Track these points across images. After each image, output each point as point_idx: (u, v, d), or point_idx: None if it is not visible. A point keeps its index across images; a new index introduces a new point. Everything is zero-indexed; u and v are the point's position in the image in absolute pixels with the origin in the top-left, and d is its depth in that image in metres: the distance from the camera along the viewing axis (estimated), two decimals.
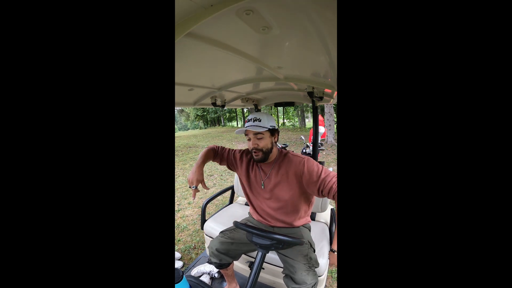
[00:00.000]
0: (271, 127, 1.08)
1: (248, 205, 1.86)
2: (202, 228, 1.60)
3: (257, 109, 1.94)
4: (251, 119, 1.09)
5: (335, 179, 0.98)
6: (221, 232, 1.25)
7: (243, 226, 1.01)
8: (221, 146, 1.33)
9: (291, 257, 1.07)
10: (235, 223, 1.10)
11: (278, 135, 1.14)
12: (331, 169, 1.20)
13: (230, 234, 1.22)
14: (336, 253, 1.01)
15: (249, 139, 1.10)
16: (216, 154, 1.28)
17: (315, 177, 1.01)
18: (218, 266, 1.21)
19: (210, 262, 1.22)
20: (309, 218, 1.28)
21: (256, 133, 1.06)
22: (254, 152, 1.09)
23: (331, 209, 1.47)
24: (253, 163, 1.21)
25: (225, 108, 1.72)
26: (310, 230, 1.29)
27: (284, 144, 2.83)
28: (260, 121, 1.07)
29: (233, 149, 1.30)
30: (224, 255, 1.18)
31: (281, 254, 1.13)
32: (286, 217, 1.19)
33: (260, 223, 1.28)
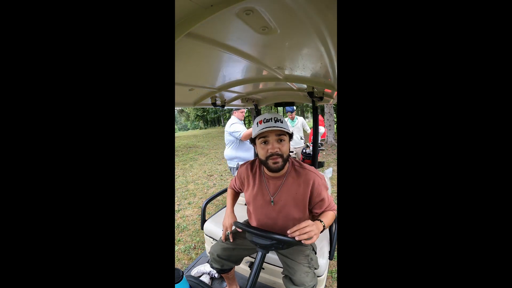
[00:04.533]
0: (291, 131, 0.96)
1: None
2: (202, 228, 1.60)
3: (257, 109, 1.94)
4: (270, 118, 0.91)
5: (333, 207, 1.01)
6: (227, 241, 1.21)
7: (243, 226, 1.01)
8: (233, 179, 1.26)
9: (291, 258, 1.06)
10: (235, 223, 1.09)
11: (291, 138, 0.99)
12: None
13: (234, 242, 1.16)
14: (321, 223, 0.88)
15: (264, 142, 0.92)
16: (237, 190, 1.26)
17: (321, 203, 0.99)
18: (219, 271, 1.18)
19: (211, 267, 1.20)
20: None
21: (279, 134, 0.90)
22: (274, 158, 0.90)
23: None
24: (259, 176, 1.05)
25: (225, 108, 1.72)
26: None
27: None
28: (282, 122, 0.90)
29: (238, 172, 1.19)
30: (226, 260, 1.15)
31: (281, 254, 1.12)
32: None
33: None
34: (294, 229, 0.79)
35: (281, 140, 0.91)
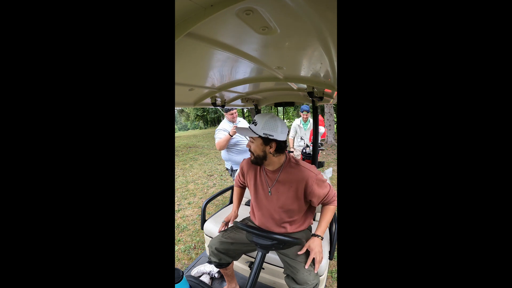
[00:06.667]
0: (264, 135, 0.99)
1: (248, 205, 1.86)
2: (202, 228, 1.60)
3: (257, 109, 1.94)
4: (253, 120, 1.05)
5: (335, 197, 1.11)
6: (222, 231, 1.26)
7: (243, 226, 1.01)
8: (237, 176, 1.37)
9: (292, 257, 1.06)
10: (235, 223, 1.10)
11: (276, 146, 1.02)
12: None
13: (231, 234, 1.22)
14: (318, 238, 1.07)
15: None
16: (241, 185, 1.36)
17: (321, 196, 1.08)
18: (217, 265, 1.21)
19: (209, 262, 1.22)
20: (311, 220, 1.28)
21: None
22: (250, 152, 1.08)
23: None
24: (259, 170, 1.18)
25: (225, 108, 1.72)
26: (311, 231, 1.29)
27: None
28: (255, 124, 1.01)
29: (240, 167, 1.32)
30: (224, 254, 1.17)
31: (281, 254, 1.12)
32: (289, 226, 1.16)
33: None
34: (309, 263, 1.02)
35: (252, 142, 1.06)
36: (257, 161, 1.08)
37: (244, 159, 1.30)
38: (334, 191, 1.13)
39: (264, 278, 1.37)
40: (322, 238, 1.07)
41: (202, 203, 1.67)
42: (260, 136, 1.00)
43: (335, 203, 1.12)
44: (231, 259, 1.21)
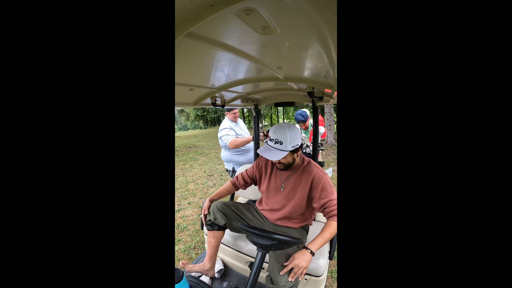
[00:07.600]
0: (293, 148, 1.08)
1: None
2: (202, 228, 1.60)
3: (257, 109, 1.94)
4: (273, 139, 1.08)
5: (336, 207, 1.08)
6: (229, 201, 1.34)
7: (243, 226, 1.01)
8: (240, 174, 1.41)
9: (274, 256, 1.07)
10: (235, 223, 1.10)
11: (301, 148, 1.17)
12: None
13: (236, 205, 1.31)
14: (308, 251, 0.97)
15: None
16: (238, 185, 1.41)
17: (323, 197, 1.10)
18: (210, 225, 1.27)
19: (205, 218, 1.28)
20: (311, 220, 1.32)
21: None
22: (278, 163, 1.17)
23: None
24: (276, 165, 1.26)
25: (225, 108, 1.72)
26: (307, 232, 1.30)
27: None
28: (281, 143, 1.06)
29: (256, 162, 1.38)
30: (221, 214, 1.23)
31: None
32: (290, 220, 1.25)
33: (263, 216, 1.34)
34: (285, 271, 0.96)
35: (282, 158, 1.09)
36: (286, 168, 1.18)
37: (258, 160, 1.37)
38: (336, 203, 1.07)
39: (264, 278, 1.37)
40: (313, 254, 0.98)
41: (202, 203, 1.67)
42: (289, 151, 1.08)
43: (336, 218, 1.06)
44: (224, 222, 1.25)
